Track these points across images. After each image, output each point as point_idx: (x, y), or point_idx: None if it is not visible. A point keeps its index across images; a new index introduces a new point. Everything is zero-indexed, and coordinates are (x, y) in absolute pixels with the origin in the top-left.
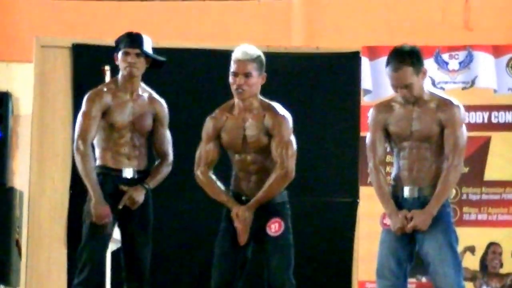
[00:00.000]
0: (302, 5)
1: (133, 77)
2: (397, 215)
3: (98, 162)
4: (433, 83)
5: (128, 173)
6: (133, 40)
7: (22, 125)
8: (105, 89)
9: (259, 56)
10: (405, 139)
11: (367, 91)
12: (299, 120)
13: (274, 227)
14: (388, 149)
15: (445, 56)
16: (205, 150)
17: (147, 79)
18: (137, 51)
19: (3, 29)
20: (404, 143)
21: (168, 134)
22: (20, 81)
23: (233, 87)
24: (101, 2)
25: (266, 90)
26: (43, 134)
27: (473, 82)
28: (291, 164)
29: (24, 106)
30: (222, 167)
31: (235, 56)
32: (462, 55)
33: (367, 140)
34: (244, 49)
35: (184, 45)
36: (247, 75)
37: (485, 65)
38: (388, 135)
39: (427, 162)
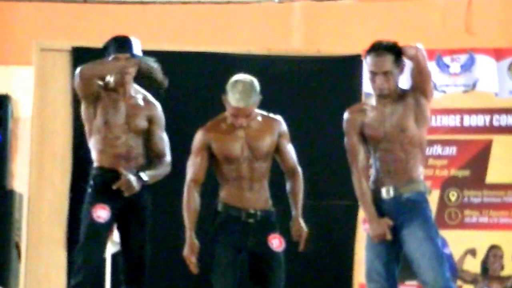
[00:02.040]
0: (303, 8)
1: (124, 82)
2: (377, 221)
3: (95, 164)
4: (434, 86)
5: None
6: (122, 44)
7: (21, 128)
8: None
9: (257, 92)
10: (379, 141)
11: (369, 95)
12: (300, 123)
13: (276, 243)
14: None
15: (447, 59)
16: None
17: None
18: (127, 55)
19: (2, 32)
20: (379, 145)
21: (164, 136)
22: (20, 84)
23: (234, 122)
24: (100, 6)
25: (267, 94)
26: (42, 137)
27: (474, 85)
28: None
29: (23, 109)
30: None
31: (235, 102)
32: (463, 58)
33: (346, 146)
34: (243, 92)
35: (184, 49)
36: (249, 115)
37: (487, 69)
38: (364, 138)
39: (401, 163)
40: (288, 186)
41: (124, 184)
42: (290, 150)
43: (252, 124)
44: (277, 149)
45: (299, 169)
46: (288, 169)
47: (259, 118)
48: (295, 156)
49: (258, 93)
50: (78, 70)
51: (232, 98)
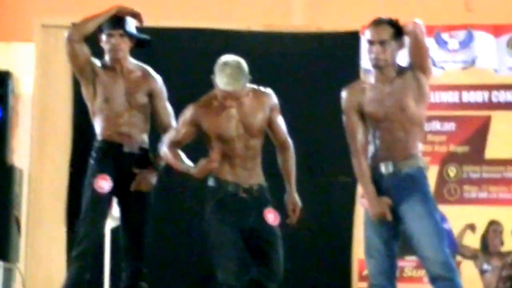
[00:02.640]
0: None
1: (118, 58)
2: (377, 201)
3: (98, 137)
4: (433, 63)
5: (129, 148)
6: (115, 21)
7: (22, 105)
8: (98, 63)
9: (246, 74)
10: (379, 120)
11: (368, 71)
12: (298, 100)
13: (271, 217)
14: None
15: (445, 36)
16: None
17: (146, 59)
18: (121, 31)
19: (3, 8)
20: (379, 124)
21: (168, 107)
22: (21, 60)
23: (224, 102)
24: None
25: (266, 71)
26: (43, 113)
27: (473, 62)
28: None
29: (24, 85)
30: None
31: (223, 85)
32: (462, 34)
33: (345, 126)
34: (231, 76)
35: (182, 25)
36: (239, 97)
37: (486, 45)
38: (363, 117)
39: (401, 142)
40: (280, 160)
41: (140, 182)
42: (281, 123)
43: (243, 101)
44: (269, 123)
45: (290, 142)
46: (279, 142)
47: (250, 94)
48: (285, 129)
49: (247, 75)
50: (65, 36)
51: (221, 82)
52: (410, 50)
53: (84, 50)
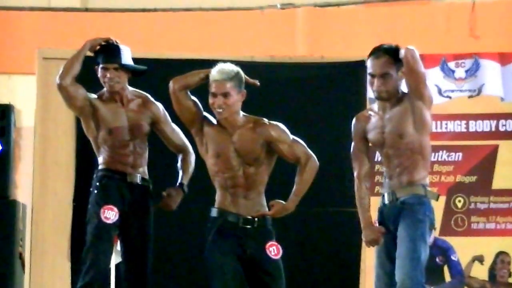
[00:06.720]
0: (306, 15)
1: (117, 91)
2: (370, 228)
3: (102, 166)
4: (440, 92)
5: (131, 178)
6: (111, 53)
7: (24, 138)
8: (95, 96)
9: (237, 73)
10: (381, 147)
11: (373, 100)
12: (304, 130)
13: (273, 250)
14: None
15: (452, 65)
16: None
17: (147, 90)
18: (115, 65)
19: (5, 41)
20: (382, 151)
21: (176, 128)
22: (23, 93)
23: (213, 107)
24: (102, 14)
25: (271, 100)
26: (45, 146)
27: (479, 90)
28: (310, 151)
29: (26, 118)
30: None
31: (212, 76)
32: (468, 63)
33: (351, 151)
34: (221, 68)
35: (187, 56)
36: (226, 95)
37: (492, 73)
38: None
39: (401, 168)
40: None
41: (168, 200)
42: (287, 147)
43: (241, 130)
44: (276, 151)
45: (305, 157)
46: (294, 162)
47: (251, 123)
48: (299, 147)
49: (236, 74)
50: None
51: (210, 76)
52: (405, 76)
53: (80, 91)
